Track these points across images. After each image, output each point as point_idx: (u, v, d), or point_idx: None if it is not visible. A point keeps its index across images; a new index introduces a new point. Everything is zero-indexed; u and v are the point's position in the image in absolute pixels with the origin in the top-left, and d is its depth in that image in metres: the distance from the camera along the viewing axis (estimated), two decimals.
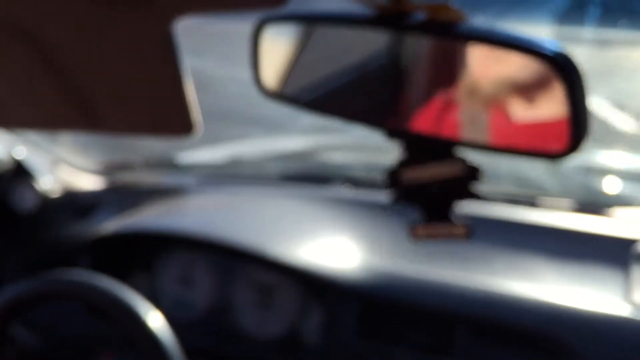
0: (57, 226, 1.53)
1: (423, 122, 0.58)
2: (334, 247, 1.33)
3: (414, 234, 0.61)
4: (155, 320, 1.05)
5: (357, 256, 1.29)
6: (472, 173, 0.56)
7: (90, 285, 1.08)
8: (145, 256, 1.49)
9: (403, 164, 0.59)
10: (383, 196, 0.76)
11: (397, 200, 0.60)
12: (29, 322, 1.25)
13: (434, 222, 0.59)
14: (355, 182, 1.56)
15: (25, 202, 1.48)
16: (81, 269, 1.43)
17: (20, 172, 1.47)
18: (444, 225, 0.59)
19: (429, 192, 0.58)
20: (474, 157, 0.57)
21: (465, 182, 0.57)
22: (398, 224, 1.36)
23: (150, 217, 1.50)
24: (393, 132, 0.59)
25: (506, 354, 1.10)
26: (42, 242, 1.51)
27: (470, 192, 0.57)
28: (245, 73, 0.68)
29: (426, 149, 0.58)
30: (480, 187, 0.57)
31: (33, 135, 1.58)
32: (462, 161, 0.57)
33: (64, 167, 1.63)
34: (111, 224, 1.47)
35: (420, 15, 0.53)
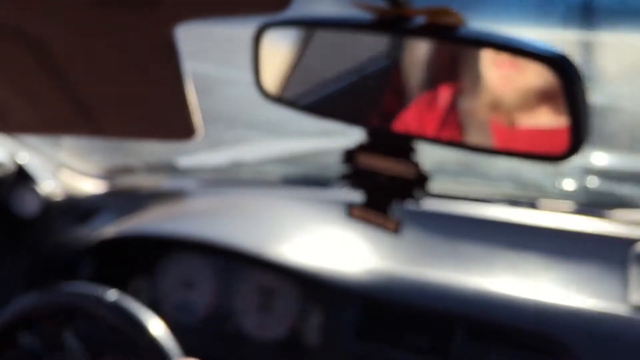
0: (58, 230, 1.53)
1: (422, 124, 0.58)
2: (334, 250, 1.33)
3: (351, 213, 0.63)
4: (157, 328, 1.06)
5: (356, 258, 1.29)
6: (421, 179, 0.59)
7: (93, 297, 1.08)
8: (147, 260, 1.49)
9: (362, 148, 0.61)
10: None
11: (346, 177, 0.62)
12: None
13: (372, 209, 0.62)
14: None
15: (27, 206, 1.48)
16: (83, 272, 1.44)
17: (22, 177, 1.48)
18: (378, 215, 0.62)
19: (376, 180, 0.61)
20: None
21: (411, 185, 0.59)
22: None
23: (152, 220, 1.50)
24: (391, 134, 0.59)
25: (505, 355, 1.10)
26: (44, 246, 1.51)
27: (412, 195, 0.60)
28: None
29: (388, 141, 0.60)
30: (423, 192, 0.59)
31: (35, 140, 1.59)
32: (416, 165, 0.59)
33: (65, 171, 1.63)
34: (113, 228, 1.47)
35: (420, 19, 0.53)
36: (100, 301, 1.08)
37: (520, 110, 0.53)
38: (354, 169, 0.62)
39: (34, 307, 1.10)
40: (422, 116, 0.58)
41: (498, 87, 0.54)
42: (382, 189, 0.61)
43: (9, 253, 1.51)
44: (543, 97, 0.52)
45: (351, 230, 1.38)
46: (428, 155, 0.67)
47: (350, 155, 0.62)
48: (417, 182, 0.59)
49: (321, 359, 1.25)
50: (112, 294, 1.09)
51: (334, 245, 1.35)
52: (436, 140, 0.58)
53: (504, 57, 0.52)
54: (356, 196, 0.63)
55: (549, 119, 0.52)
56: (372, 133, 0.61)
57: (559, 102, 0.50)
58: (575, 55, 0.52)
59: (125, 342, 1.07)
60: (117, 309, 1.06)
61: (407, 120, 0.59)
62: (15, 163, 1.48)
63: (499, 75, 0.53)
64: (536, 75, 0.51)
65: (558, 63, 0.49)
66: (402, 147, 0.59)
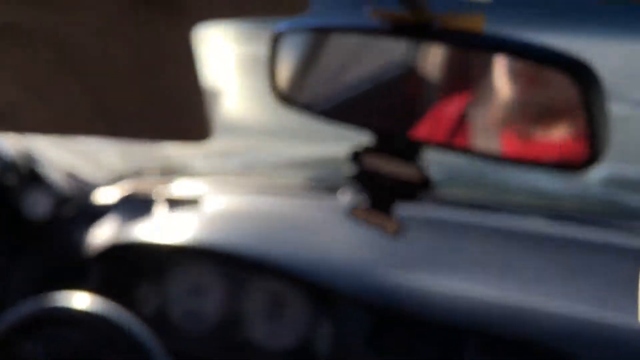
0: (69, 234, 1.53)
1: (436, 131, 0.58)
2: (345, 259, 1.33)
3: (353, 214, 0.65)
4: (150, 340, 1.08)
5: (368, 268, 1.28)
6: (424, 183, 0.60)
7: (81, 308, 1.11)
8: (157, 266, 1.49)
9: (369, 149, 0.61)
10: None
11: (352, 177, 0.63)
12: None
13: (375, 210, 0.63)
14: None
15: (38, 209, 1.49)
16: (92, 277, 1.44)
17: (34, 180, 1.48)
18: (380, 215, 0.63)
19: (380, 182, 0.62)
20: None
21: (414, 187, 0.60)
22: (410, 237, 1.36)
23: (161, 226, 1.50)
24: (404, 140, 0.59)
25: None
26: (54, 250, 1.52)
27: (414, 197, 0.61)
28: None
29: (396, 145, 0.60)
30: (426, 195, 0.61)
31: (47, 143, 1.60)
32: (420, 170, 0.59)
33: (77, 174, 1.64)
34: (123, 233, 1.48)
35: (438, 25, 0.52)
36: (90, 312, 1.09)
37: (539, 124, 0.53)
38: (360, 170, 0.63)
39: (28, 315, 1.11)
40: (436, 123, 0.58)
41: (516, 100, 0.53)
42: (386, 190, 0.62)
43: (20, 255, 1.52)
44: (564, 110, 0.51)
45: (363, 240, 1.38)
46: (441, 162, 0.67)
47: (357, 156, 0.63)
48: (420, 186, 0.59)
49: None
50: (103, 305, 1.11)
51: (345, 254, 1.35)
52: (450, 147, 0.57)
53: (526, 71, 0.52)
54: (360, 197, 0.64)
55: (567, 130, 0.52)
56: (382, 136, 0.61)
57: (577, 111, 0.50)
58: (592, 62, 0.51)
59: (117, 351, 1.08)
60: (106, 320, 1.08)
61: (421, 127, 0.59)
62: (28, 166, 1.49)
63: (519, 89, 0.53)
64: (558, 90, 0.50)
65: (577, 70, 0.48)
66: (409, 150, 0.60)
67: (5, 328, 1.11)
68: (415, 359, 1.15)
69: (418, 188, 0.60)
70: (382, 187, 0.62)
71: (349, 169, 0.63)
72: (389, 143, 0.61)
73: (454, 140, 0.57)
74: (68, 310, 1.11)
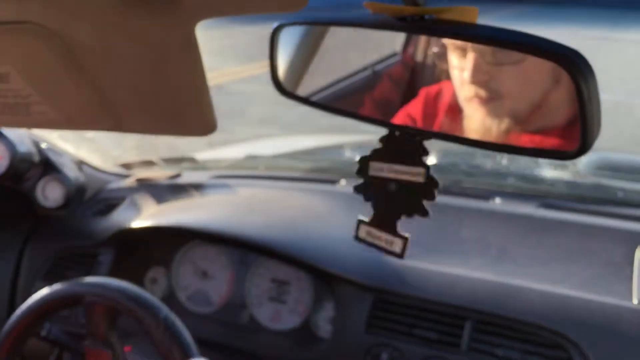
0: (81, 221, 1.56)
1: (429, 120, 0.59)
2: (346, 243, 1.35)
3: (358, 234, 0.64)
4: (170, 316, 1.09)
5: (368, 252, 1.30)
6: (430, 185, 0.58)
7: (113, 289, 1.11)
8: (164, 250, 1.52)
9: (375, 154, 0.61)
10: None
11: (358, 188, 0.62)
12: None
13: (380, 225, 0.62)
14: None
15: (51, 197, 1.52)
16: (103, 262, 1.47)
17: (46, 169, 1.51)
18: (385, 235, 0.62)
19: (386, 189, 0.60)
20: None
21: (419, 192, 0.58)
22: (409, 221, 1.37)
23: (170, 212, 1.53)
24: (404, 131, 0.60)
25: (513, 348, 1.12)
26: (66, 236, 1.54)
27: (421, 206, 0.59)
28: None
29: (400, 146, 0.60)
30: (432, 199, 0.58)
31: (59, 134, 1.62)
32: (426, 170, 0.58)
33: (87, 164, 1.66)
34: (132, 220, 1.50)
35: (434, 18, 0.54)
36: (121, 293, 1.10)
37: (529, 103, 0.54)
38: (366, 179, 0.61)
39: (55, 298, 1.13)
40: (429, 111, 0.59)
41: (504, 82, 0.54)
42: (392, 198, 0.60)
43: (33, 242, 1.55)
44: (556, 99, 0.52)
45: None
46: (437, 150, 0.68)
47: (363, 165, 0.61)
48: (426, 187, 0.58)
49: (332, 350, 1.26)
50: (131, 287, 1.11)
51: (346, 239, 1.36)
52: (443, 135, 0.58)
53: (479, 92, 0.53)
54: (365, 212, 0.62)
55: (558, 118, 0.53)
56: (384, 138, 0.61)
57: (569, 100, 0.51)
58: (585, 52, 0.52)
59: (144, 331, 1.09)
60: (137, 301, 1.09)
61: (415, 116, 0.60)
62: (41, 156, 1.51)
63: (479, 111, 0.54)
64: (551, 80, 0.51)
65: (568, 58, 0.49)
66: (412, 149, 0.59)
67: (25, 313, 1.13)
68: (415, 341, 1.17)
69: (423, 190, 0.59)
70: (388, 196, 0.60)
71: (358, 179, 0.62)
72: (393, 144, 0.60)
73: (448, 128, 0.58)
74: (85, 290, 1.13)
